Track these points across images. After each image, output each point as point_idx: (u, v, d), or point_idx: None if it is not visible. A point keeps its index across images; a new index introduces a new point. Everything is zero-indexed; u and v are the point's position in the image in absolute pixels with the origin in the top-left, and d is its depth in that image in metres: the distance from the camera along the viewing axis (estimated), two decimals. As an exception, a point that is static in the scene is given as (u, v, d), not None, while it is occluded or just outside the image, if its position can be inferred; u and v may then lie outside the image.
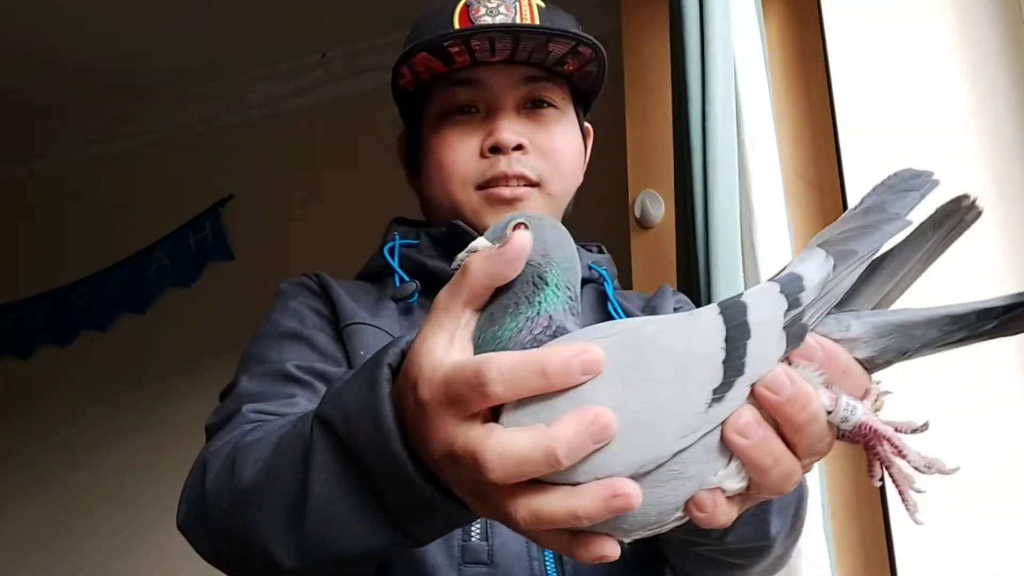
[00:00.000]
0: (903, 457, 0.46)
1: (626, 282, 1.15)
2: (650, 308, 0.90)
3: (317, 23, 2.53)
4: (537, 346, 0.47)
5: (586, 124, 0.99)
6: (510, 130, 0.86)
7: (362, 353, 0.79)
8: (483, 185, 0.87)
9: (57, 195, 3.04)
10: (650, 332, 0.46)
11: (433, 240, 0.89)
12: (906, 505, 0.47)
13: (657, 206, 1.40)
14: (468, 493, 0.47)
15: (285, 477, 0.56)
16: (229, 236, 2.76)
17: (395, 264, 0.87)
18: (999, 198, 1.17)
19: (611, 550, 0.44)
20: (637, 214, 1.42)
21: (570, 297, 0.51)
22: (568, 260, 0.52)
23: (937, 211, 0.49)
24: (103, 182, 2.97)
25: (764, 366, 0.45)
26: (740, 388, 0.44)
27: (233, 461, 0.62)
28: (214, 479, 0.63)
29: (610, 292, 0.89)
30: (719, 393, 0.44)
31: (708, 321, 0.46)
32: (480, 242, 0.53)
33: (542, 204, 0.88)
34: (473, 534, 0.72)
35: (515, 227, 0.52)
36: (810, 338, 0.46)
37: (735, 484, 0.45)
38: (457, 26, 0.87)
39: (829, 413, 0.45)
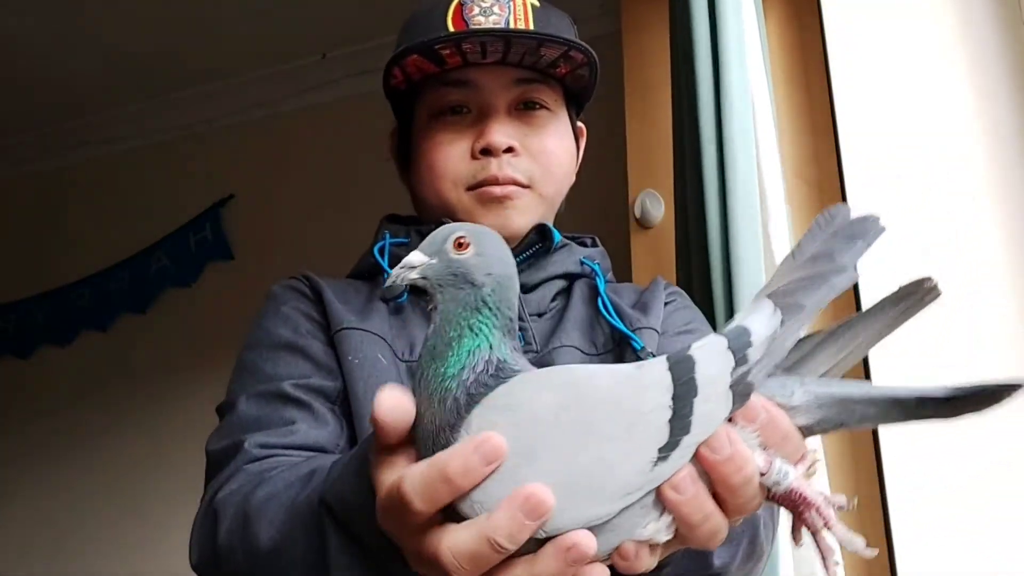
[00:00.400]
0: (828, 528, 0.47)
1: (625, 281, 1.15)
2: (641, 303, 0.89)
3: (317, 23, 2.53)
4: (481, 388, 0.48)
5: (579, 124, 0.99)
6: (501, 132, 0.86)
7: (351, 359, 0.78)
8: (474, 186, 0.87)
9: (57, 195, 3.04)
10: (600, 386, 0.47)
11: (423, 238, 0.89)
12: (827, 568, 0.48)
13: (657, 206, 1.40)
14: None
15: (301, 549, 0.60)
16: (229, 236, 2.75)
17: (385, 264, 0.87)
18: (999, 198, 1.17)
19: None
20: (637, 214, 1.42)
21: (509, 319, 0.51)
22: (509, 278, 0.52)
23: (899, 289, 0.48)
24: (103, 182, 2.97)
25: (710, 425, 0.45)
26: (685, 447, 0.45)
27: (246, 518, 0.64)
28: (227, 534, 0.65)
29: (601, 288, 0.88)
30: (664, 452, 0.45)
31: (657, 376, 0.47)
32: (415, 256, 0.53)
33: (533, 204, 0.88)
34: None
35: (456, 242, 0.52)
36: (755, 399, 0.46)
37: (663, 536, 0.46)
38: (450, 25, 0.87)
39: (762, 475, 0.46)
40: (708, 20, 1.24)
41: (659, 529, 0.46)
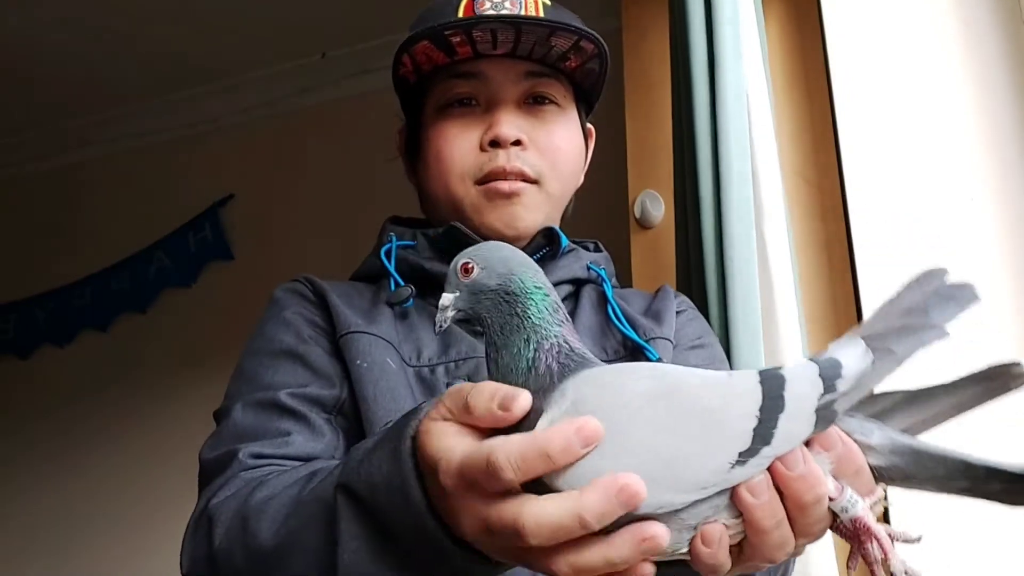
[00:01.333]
0: (886, 560, 0.49)
1: (626, 282, 1.15)
2: (653, 311, 0.89)
3: (317, 23, 2.53)
4: (567, 362, 0.51)
5: (588, 126, 0.99)
6: (509, 124, 0.86)
7: (358, 363, 0.78)
8: (482, 180, 0.86)
9: (57, 195, 3.03)
10: (693, 384, 0.50)
11: (431, 242, 0.89)
12: None
13: (657, 206, 1.40)
14: (508, 556, 0.50)
15: (308, 543, 0.59)
16: (229, 236, 2.75)
17: (391, 268, 0.86)
18: (999, 198, 1.17)
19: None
20: (637, 214, 1.42)
21: (545, 295, 0.55)
22: (520, 266, 0.56)
23: (988, 368, 0.51)
24: (103, 182, 2.97)
25: (790, 442, 0.47)
26: (764, 456, 0.47)
27: (245, 520, 0.63)
28: (224, 536, 0.65)
29: (609, 294, 0.88)
30: (744, 457, 0.47)
31: (747, 386, 0.49)
32: (445, 298, 0.56)
33: (540, 201, 0.87)
34: None
35: (463, 269, 0.56)
36: (834, 431, 0.49)
37: (734, 531, 0.48)
38: (462, 15, 0.86)
39: (831, 500, 0.48)
40: (704, 20, 1.23)
41: (738, 534, 0.48)
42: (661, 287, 0.96)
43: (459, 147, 0.87)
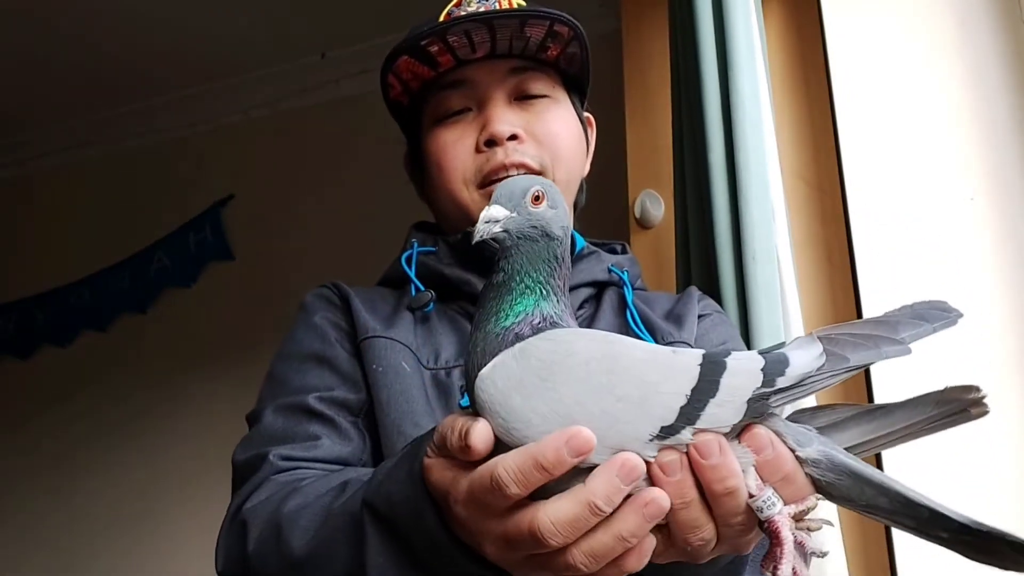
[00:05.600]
0: (776, 569, 0.48)
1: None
2: (675, 315, 0.89)
3: (317, 23, 2.53)
4: (531, 332, 0.52)
5: (587, 114, 0.98)
6: (502, 121, 0.86)
7: (375, 367, 0.79)
8: (483, 183, 0.86)
9: (57, 195, 3.04)
10: (635, 356, 0.51)
11: (451, 248, 0.89)
12: None
13: (657, 206, 1.40)
14: (528, 566, 0.52)
15: (339, 554, 0.61)
16: (229, 236, 2.75)
17: (412, 273, 0.87)
18: (998, 198, 1.17)
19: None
20: (637, 214, 1.42)
21: (567, 275, 0.56)
22: (571, 233, 0.56)
23: (946, 389, 0.50)
24: (103, 182, 2.97)
25: (714, 424, 0.48)
26: (684, 435, 0.48)
27: (279, 528, 0.66)
28: (258, 542, 0.67)
29: (629, 299, 0.88)
30: (664, 433, 0.48)
31: (687, 366, 0.50)
32: (497, 210, 0.54)
33: None
34: None
35: (534, 196, 0.54)
36: (765, 433, 0.49)
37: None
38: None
39: (751, 497, 0.49)
40: (712, 21, 1.23)
41: None
42: (687, 289, 0.96)
43: (456, 154, 0.88)
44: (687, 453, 0.48)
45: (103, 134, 2.97)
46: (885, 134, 1.24)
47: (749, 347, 1.07)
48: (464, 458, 0.51)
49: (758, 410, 0.49)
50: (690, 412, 0.48)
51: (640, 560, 0.49)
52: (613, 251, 0.95)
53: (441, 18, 0.88)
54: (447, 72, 0.88)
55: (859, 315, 1.19)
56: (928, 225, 1.18)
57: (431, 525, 0.55)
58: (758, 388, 0.49)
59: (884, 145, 1.23)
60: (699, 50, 1.23)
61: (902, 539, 1.07)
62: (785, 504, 0.49)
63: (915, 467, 1.09)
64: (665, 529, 0.50)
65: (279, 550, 0.65)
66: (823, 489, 0.50)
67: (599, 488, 0.47)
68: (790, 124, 1.34)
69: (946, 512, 0.49)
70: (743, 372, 0.49)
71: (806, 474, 0.50)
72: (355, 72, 2.63)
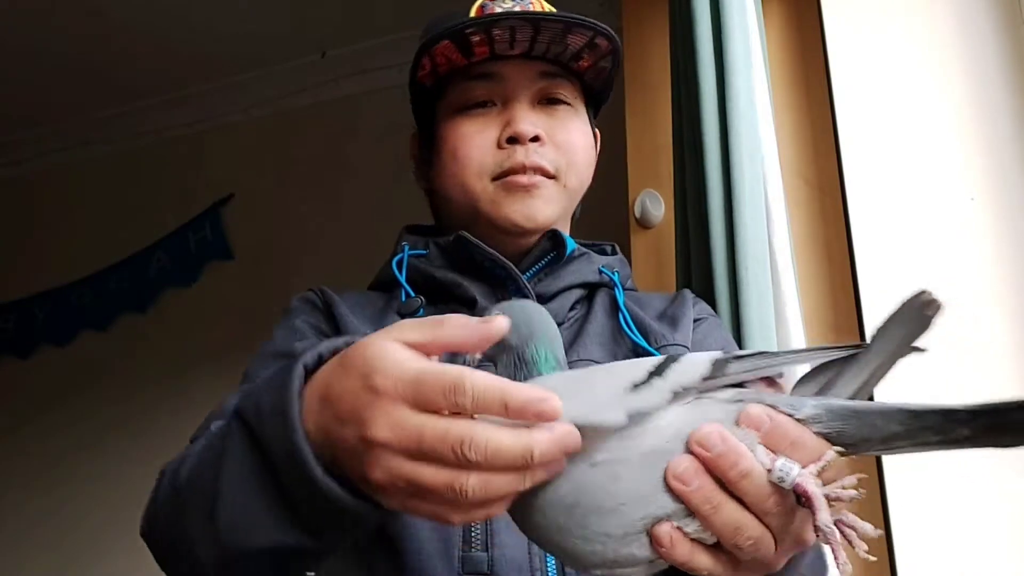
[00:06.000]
0: (815, 516, 0.48)
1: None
2: (669, 317, 0.89)
3: (317, 23, 2.53)
4: None
5: (595, 130, 0.99)
6: (528, 121, 0.87)
7: None
8: (500, 176, 0.87)
9: (57, 195, 3.03)
10: (604, 366, 0.59)
11: (442, 250, 0.90)
12: (836, 563, 0.49)
13: (657, 206, 1.40)
14: (407, 482, 0.48)
15: (206, 474, 0.57)
16: (229, 236, 2.75)
17: (402, 278, 0.87)
18: (998, 197, 1.17)
19: None
20: (637, 214, 1.42)
21: (556, 360, 0.59)
22: (547, 332, 0.60)
23: (900, 306, 0.51)
24: (103, 182, 2.97)
25: (684, 376, 0.51)
26: (657, 389, 0.50)
27: (178, 468, 0.62)
28: (161, 487, 0.64)
29: (620, 301, 0.88)
30: (638, 387, 0.50)
31: (650, 361, 0.54)
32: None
33: (557, 195, 0.88)
34: (474, 545, 0.72)
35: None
36: (759, 409, 0.50)
37: (691, 526, 0.49)
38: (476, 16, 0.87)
39: (769, 472, 0.49)
40: (711, 21, 1.23)
41: (679, 515, 0.49)
42: (679, 291, 0.96)
43: (477, 145, 0.87)
44: (694, 454, 0.48)
45: (103, 134, 2.97)
46: (885, 134, 1.24)
47: (741, 349, 1.07)
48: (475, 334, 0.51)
49: (721, 365, 0.51)
50: (659, 371, 0.51)
51: (503, 506, 0.49)
52: (603, 252, 0.95)
53: (473, 11, 0.89)
54: (478, 63, 0.88)
55: (859, 315, 1.19)
56: (928, 225, 1.18)
57: (293, 426, 0.51)
58: (716, 360, 0.52)
59: (884, 145, 1.23)
60: (697, 50, 1.23)
61: (902, 539, 1.07)
62: (804, 468, 0.49)
63: (915, 467, 1.09)
64: (721, 551, 0.50)
65: (173, 486, 0.61)
66: (836, 440, 0.50)
67: (543, 442, 0.46)
68: (790, 124, 1.34)
69: (953, 406, 0.49)
70: (700, 358, 0.53)
71: (815, 433, 0.50)
72: (355, 71, 2.62)
